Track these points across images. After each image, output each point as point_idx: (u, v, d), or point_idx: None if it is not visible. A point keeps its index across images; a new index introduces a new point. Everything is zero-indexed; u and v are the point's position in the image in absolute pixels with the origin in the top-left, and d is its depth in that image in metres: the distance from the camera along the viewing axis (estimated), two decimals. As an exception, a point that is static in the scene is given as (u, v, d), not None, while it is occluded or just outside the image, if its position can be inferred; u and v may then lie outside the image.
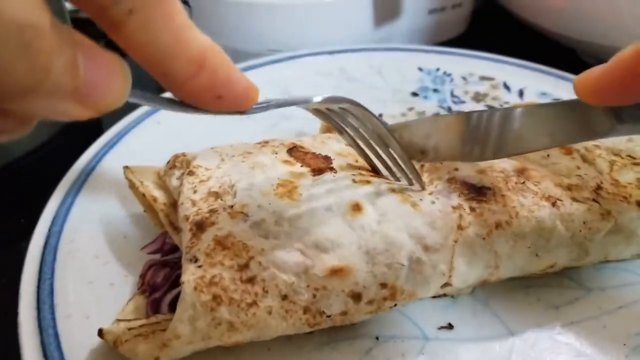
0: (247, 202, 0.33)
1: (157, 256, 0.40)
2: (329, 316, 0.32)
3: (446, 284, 0.35)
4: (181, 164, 0.37)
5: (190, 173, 0.36)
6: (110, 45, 0.21)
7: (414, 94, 0.61)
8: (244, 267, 0.31)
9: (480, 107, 0.59)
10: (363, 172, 0.37)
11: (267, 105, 0.28)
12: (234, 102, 0.25)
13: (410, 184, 0.36)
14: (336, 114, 0.34)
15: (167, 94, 0.25)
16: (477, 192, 0.36)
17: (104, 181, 0.45)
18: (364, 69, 0.64)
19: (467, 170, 0.37)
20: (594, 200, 0.36)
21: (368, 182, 0.35)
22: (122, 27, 0.20)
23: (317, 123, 0.44)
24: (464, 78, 0.63)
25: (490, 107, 0.51)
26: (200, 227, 0.32)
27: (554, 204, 0.36)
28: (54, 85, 0.18)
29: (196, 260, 0.31)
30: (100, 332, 0.32)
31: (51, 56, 0.17)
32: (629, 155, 0.41)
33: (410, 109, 0.59)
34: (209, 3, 0.68)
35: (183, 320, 0.30)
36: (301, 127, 0.52)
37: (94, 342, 0.33)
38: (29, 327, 0.34)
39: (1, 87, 0.17)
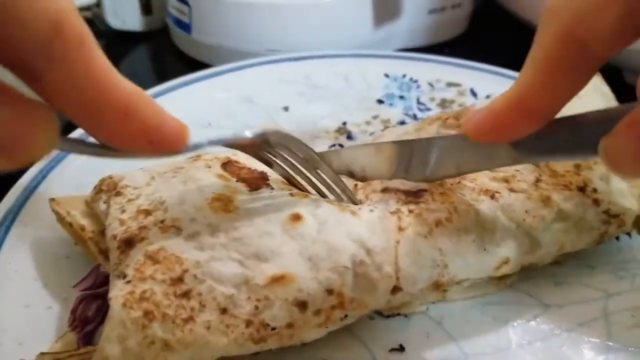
0: (180, 216, 0.32)
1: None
2: (273, 329, 0.30)
3: (396, 288, 0.33)
4: (108, 186, 0.36)
5: (118, 194, 0.34)
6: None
7: (380, 101, 0.59)
8: (178, 280, 0.29)
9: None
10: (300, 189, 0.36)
11: (199, 145, 0.27)
12: (166, 146, 0.24)
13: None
14: (265, 147, 0.33)
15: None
16: (414, 195, 0.36)
17: (46, 201, 0.43)
18: (329, 75, 0.62)
19: (399, 181, 0.37)
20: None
21: (306, 195, 0.35)
22: (43, 78, 0.20)
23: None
24: (431, 84, 0.62)
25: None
26: (128, 243, 0.30)
27: (492, 197, 0.36)
28: None
29: (124, 276, 0.29)
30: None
31: None
32: None
33: (375, 117, 0.57)
34: (208, 3, 0.67)
35: (111, 339, 0.28)
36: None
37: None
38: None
39: None
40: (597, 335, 0.36)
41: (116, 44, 0.77)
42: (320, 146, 0.50)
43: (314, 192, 0.36)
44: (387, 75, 0.63)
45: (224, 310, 0.30)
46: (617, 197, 0.38)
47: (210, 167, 0.36)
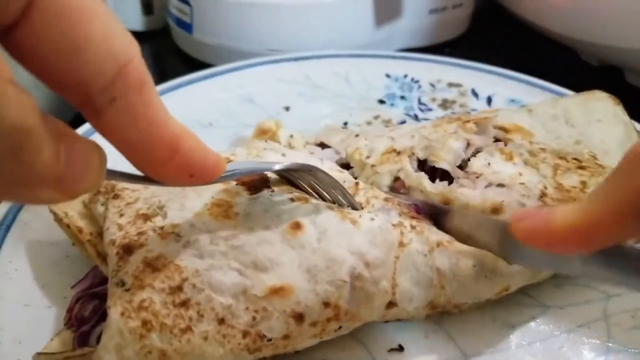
0: (179, 222, 0.32)
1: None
2: (269, 340, 0.30)
3: (391, 304, 0.33)
4: (105, 188, 0.35)
5: (116, 197, 0.34)
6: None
7: (381, 102, 0.59)
8: (177, 289, 0.29)
9: (447, 114, 0.57)
10: (301, 190, 0.35)
11: (232, 174, 0.29)
12: (204, 178, 0.26)
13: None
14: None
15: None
16: (417, 209, 0.35)
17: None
18: (330, 75, 0.62)
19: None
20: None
21: (306, 200, 0.34)
22: (103, 115, 0.21)
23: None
24: (432, 85, 0.61)
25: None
26: (127, 249, 0.30)
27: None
28: (35, 178, 0.18)
29: (123, 284, 0.29)
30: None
31: (37, 153, 0.18)
32: (575, 159, 0.41)
33: (376, 117, 0.57)
34: (210, 3, 0.67)
35: (109, 348, 0.28)
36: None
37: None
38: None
39: None
40: (597, 336, 0.36)
41: (118, 43, 0.77)
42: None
43: (315, 194, 0.35)
44: (388, 76, 0.63)
45: (221, 321, 0.30)
46: None
47: (209, 170, 0.36)
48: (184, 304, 0.29)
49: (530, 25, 0.72)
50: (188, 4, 0.69)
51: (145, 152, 0.23)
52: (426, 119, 0.56)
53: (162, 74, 0.74)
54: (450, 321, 0.37)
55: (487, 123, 0.42)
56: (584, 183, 0.38)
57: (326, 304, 0.31)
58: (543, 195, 0.37)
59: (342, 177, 0.38)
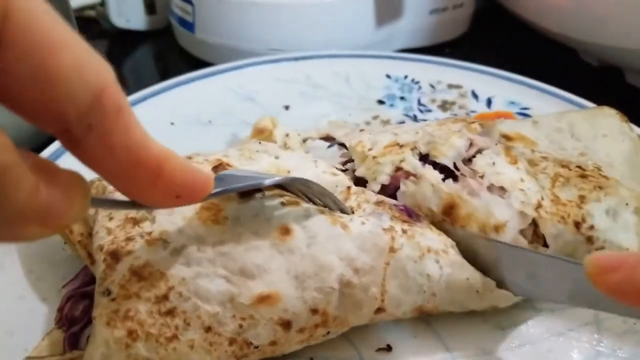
0: (167, 227, 0.32)
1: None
2: (256, 347, 0.31)
3: (379, 309, 0.33)
4: (97, 189, 0.35)
5: (107, 199, 0.34)
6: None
7: (380, 102, 0.59)
8: (163, 298, 0.29)
9: (446, 115, 0.57)
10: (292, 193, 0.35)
11: (223, 191, 0.29)
12: (191, 198, 0.26)
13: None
14: None
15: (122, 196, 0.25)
16: (409, 215, 0.35)
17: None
18: (330, 75, 0.62)
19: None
20: (533, 222, 0.35)
21: (297, 204, 0.34)
22: (82, 143, 0.21)
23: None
24: (432, 86, 0.61)
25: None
26: (114, 256, 0.30)
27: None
28: (17, 214, 0.18)
29: (109, 293, 0.29)
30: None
31: (17, 189, 0.18)
32: (579, 167, 0.40)
33: (375, 117, 0.57)
34: (212, 2, 0.67)
35: (95, 359, 0.28)
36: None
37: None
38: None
39: None
40: (587, 340, 0.36)
41: (120, 43, 0.77)
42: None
43: (306, 198, 0.35)
44: (388, 76, 0.63)
45: (208, 329, 0.30)
46: (618, 232, 0.37)
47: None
48: (170, 312, 0.29)
49: (530, 25, 0.71)
50: (191, 3, 0.69)
51: (127, 176, 0.23)
52: (425, 120, 0.55)
53: (164, 73, 0.75)
54: (439, 322, 0.37)
55: (492, 126, 0.42)
56: (582, 197, 0.38)
57: (314, 311, 0.31)
58: (539, 206, 0.37)
59: (336, 180, 0.37)
